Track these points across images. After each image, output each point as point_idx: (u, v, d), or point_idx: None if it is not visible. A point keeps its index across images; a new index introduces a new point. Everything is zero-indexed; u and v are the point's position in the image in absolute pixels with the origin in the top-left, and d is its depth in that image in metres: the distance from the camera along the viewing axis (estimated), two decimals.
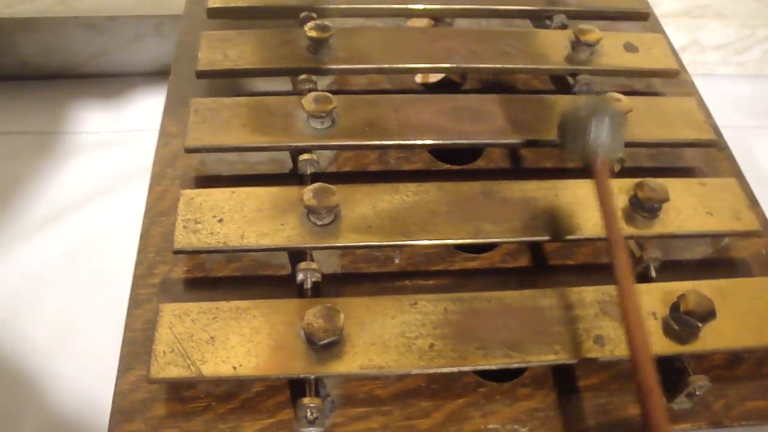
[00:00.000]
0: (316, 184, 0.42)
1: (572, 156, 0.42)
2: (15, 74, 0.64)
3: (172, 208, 0.45)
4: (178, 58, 0.54)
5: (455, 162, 0.49)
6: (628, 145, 0.49)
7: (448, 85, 0.55)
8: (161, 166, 0.47)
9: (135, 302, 0.42)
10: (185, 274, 0.43)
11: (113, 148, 0.61)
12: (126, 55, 0.64)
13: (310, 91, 0.49)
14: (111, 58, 0.64)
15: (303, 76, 0.49)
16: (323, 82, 0.52)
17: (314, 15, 0.54)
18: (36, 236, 0.55)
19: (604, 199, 0.39)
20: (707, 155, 0.52)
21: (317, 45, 0.50)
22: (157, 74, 0.66)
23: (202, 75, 0.50)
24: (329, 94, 0.46)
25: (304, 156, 0.45)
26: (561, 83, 0.54)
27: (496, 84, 0.55)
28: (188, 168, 0.47)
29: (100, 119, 0.63)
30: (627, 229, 0.44)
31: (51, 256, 0.55)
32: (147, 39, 0.63)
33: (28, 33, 0.61)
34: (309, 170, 0.45)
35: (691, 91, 0.56)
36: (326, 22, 0.51)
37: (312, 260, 0.41)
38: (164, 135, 0.49)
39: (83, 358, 0.54)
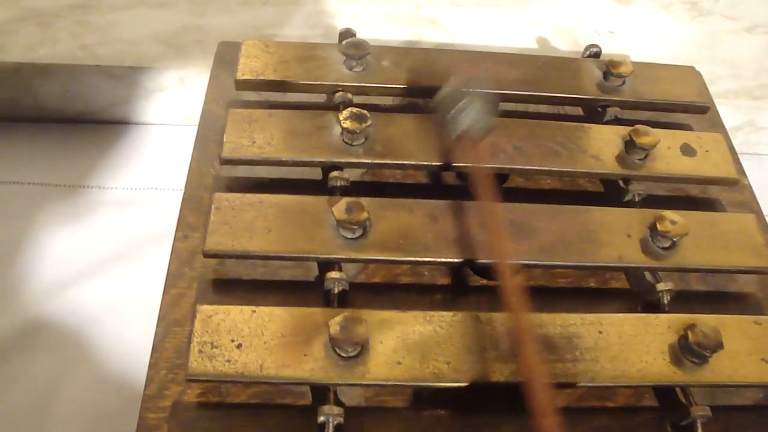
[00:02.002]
0: (343, 315, 0.38)
1: (451, 136, 0.45)
2: (31, 117, 0.61)
3: (188, 316, 0.42)
4: (202, 133, 0.51)
5: (493, 276, 0.46)
6: (682, 270, 0.46)
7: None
8: (178, 264, 0.44)
9: (144, 427, 0.39)
10: (199, 397, 0.40)
11: (130, 208, 0.58)
12: (147, 105, 0.61)
13: (342, 189, 0.46)
14: (132, 107, 0.61)
15: (335, 173, 0.46)
16: (356, 171, 0.49)
17: (350, 96, 0.50)
18: (43, 305, 0.53)
19: (476, 174, 0.43)
20: (764, 279, 0.48)
21: (353, 136, 0.47)
22: (180, 125, 0.62)
23: (227, 162, 0.46)
24: (362, 202, 0.43)
25: (332, 274, 0.42)
26: (612, 186, 0.50)
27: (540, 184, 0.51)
28: (206, 268, 0.44)
29: (117, 173, 0.60)
30: (674, 376, 0.40)
31: (60, 329, 0.52)
32: (170, 90, 0.60)
33: (47, 78, 0.58)
34: (336, 288, 0.42)
35: (748, 198, 0.52)
36: (363, 111, 0.47)
37: (336, 399, 0.38)
38: (183, 226, 0.46)
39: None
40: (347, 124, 0.46)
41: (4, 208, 0.57)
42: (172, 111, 0.61)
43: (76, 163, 0.60)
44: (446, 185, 0.50)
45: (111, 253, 0.55)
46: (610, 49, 0.60)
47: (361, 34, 0.55)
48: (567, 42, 0.64)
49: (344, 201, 0.43)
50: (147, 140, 0.61)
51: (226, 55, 0.56)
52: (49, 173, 0.59)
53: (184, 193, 0.48)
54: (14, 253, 0.54)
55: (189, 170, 0.49)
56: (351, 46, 0.51)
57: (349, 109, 0.47)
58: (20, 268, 0.54)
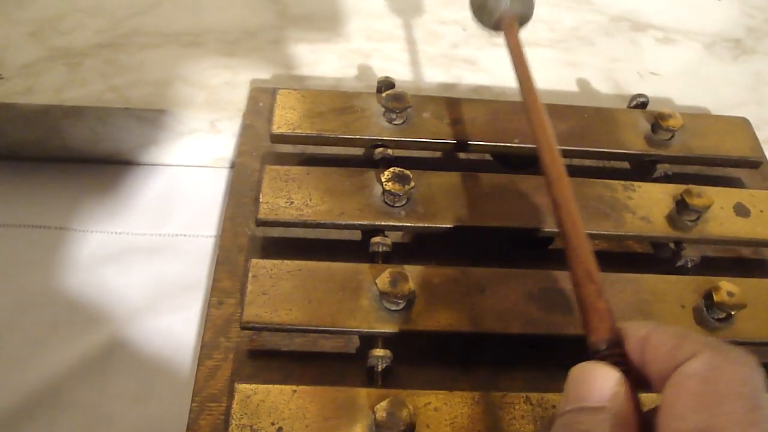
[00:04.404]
0: (389, 400, 0.37)
1: (487, 27, 0.43)
2: (59, 157, 0.60)
3: (224, 391, 0.41)
4: (236, 188, 0.49)
5: (540, 346, 0.44)
6: (739, 344, 0.44)
7: (535, 242, 0.49)
8: (213, 334, 0.43)
9: None
10: None
11: (158, 255, 0.56)
12: (177, 147, 0.59)
13: (384, 254, 0.44)
14: (160, 149, 0.59)
15: (377, 239, 0.44)
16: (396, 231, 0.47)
17: (390, 152, 0.49)
18: (69, 359, 0.51)
19: (515, 59, 0.40)
20: None
21: (395, 198, 0.45)
22: (208, 167, 0.61)
23: (263, 223, 0.45)
24: (407, 273, 0.41)
25: (377, 352, 0.40)
26: (662, 247, 0.48)
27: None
28: (242, 338, 0.43)
29: (144, 217, 0.58)
30: None
31: (89, 383, 0.50)
32: (200, 134, 0.58)
33: (75, 120, 0.56)
34: (380, 366, 0.40)
35: None
36: (406, 171, 0.45)
37: None
38: (217, 291, 0.44)
39: None
40: (389, 186, 0.44)
41: (28, 253, 0.55)
42: (201, 154, 0.60)
43: (100, 207, 0.58)
44: (490, 245, 0.48)
45: (141, 303, 0.53)
46: (652, 92, 0.58)
47: (395, 75, 0.53)
48: (608, 84, 0.62)
49: (388, 272, 0.41)
50: (176, 181, 0.60)
51: (258, 100, 0.55)
52: (74, 218, 0.57)
53: (218, 255, 0.46)
54: (41, 300, 0.53)
55: (222, 230, 0.47)
56: (391, 99, 0.49)
57: (391, 170, 0.45)
58: (46, 316, 0.53)
